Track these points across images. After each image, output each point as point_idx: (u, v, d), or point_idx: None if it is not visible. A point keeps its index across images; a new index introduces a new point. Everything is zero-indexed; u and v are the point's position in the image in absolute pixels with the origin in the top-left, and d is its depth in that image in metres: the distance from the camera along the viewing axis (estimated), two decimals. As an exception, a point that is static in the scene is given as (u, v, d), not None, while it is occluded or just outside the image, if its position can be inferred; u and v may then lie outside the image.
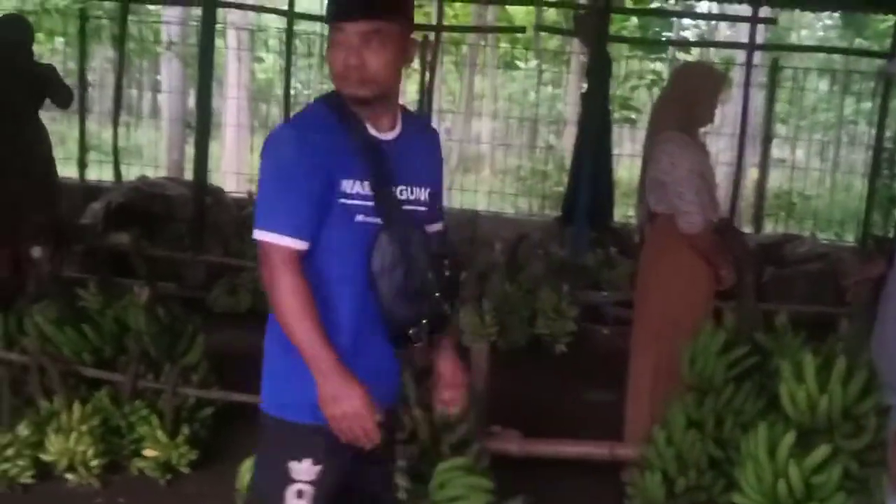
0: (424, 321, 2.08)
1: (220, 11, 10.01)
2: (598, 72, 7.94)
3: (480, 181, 13.15)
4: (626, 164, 11.86)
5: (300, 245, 2.03)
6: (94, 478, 3.70)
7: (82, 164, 9.76)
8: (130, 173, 9.63)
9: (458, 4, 15.36)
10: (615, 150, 9.06)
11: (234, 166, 14.07)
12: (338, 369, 2.00)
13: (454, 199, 10.91)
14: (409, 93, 20.91)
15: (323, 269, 2.07)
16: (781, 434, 3.22)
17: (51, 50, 18.57)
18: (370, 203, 2.04)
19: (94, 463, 3.66)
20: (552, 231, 8.21)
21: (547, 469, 3.93)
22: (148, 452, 3.72)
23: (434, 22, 10.45)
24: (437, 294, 2.08)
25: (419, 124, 2.30)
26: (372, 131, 2.09)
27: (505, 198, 11.66)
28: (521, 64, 17.43)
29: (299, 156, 2.01)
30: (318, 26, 13.84)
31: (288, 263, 2.02)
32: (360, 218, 2.04)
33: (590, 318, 6.50)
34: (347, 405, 1.99)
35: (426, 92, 9.58)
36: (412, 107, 10.06)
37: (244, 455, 3.34)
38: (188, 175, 9.08)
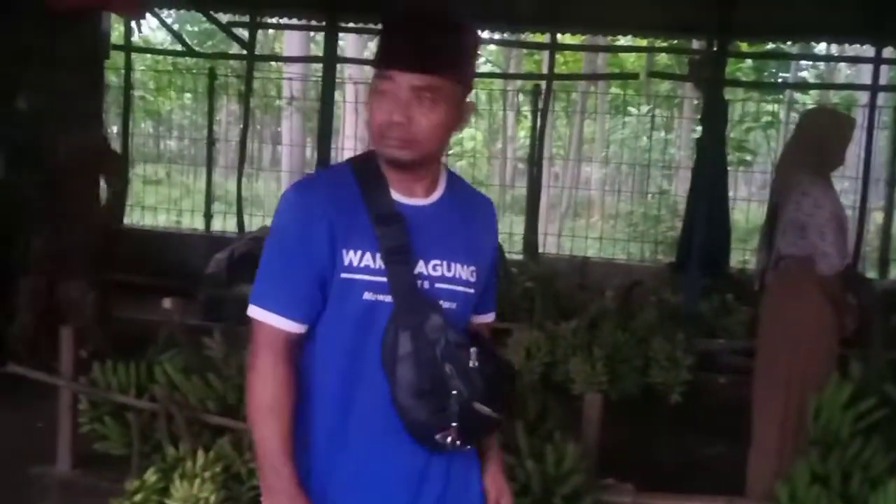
0: (454, 424, 1.71)
1: (339, 66, 10.35)
2: (714, 116, 7.85)
3: (591, 227, 13.09)
4: (742, 207, 11.62)
5: (292, 327, 1.73)
6: (216, 523, 3.82)
7: (208, 216, 10.22)
8: (253, 224, 10.01)
9: (568, 52, 15.47)
10: (730, 194, 8.90)
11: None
12: (288, 488, 1.71)
13: (563, 245, 10.90)
14: (519, 139, 21.11)
15: (331, 356, 1.76)
16: (912, 492, 3.09)
17: (181, 105, 19.59)
18: (381, 279, 1.72)
19: (217, 509, 3.77)
20: (665, 277, 8.10)
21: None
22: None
23: (545, 70, 10.55)
24: (455, 392, 1.70)
25: (468, 192, 1.94)
26: (397, 197, 1.77)
27: (616, 243, 11.56)
28: (632, 109, 17.38)
29: (300, 221, 1.72)
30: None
31: (273, 346, 1.72)
32: (367, 296, 1.72)
33: (706, 366, 6.37)
34: None
35: (538, 139, 9.66)
36: (522, 153, 10.17)
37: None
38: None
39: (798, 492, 3.47)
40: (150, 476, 3.80)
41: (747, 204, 11.43)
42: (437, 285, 1.77)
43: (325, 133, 7.96)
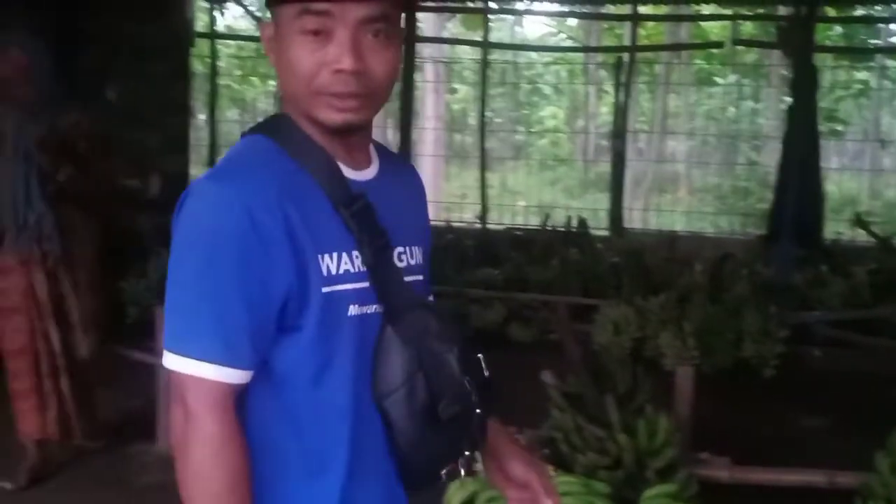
0: (468, 452, 1.37)
1: (418, 46, 10.39)
2: (804, 84, 7.64)
3: (677, 201, 12.88)
4: (834, 178, 11.29)
5: (238, 378, 1.24)
6: None
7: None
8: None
9: (650, 24, 15.18)
10: (821, 165, 8.64)
11: (432, 195, 14.52)
12: None
13: (650, 220, 10.75)
14: (601, 115, 20.94)
15: (298, 402, 1.30)
16: None
17: (265, 93, 19.88)
18: (365, 284, 1.30)
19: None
20: (756, 250, 7.93)
21: (758, 498, 3.77)
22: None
23: (628, 43, 10.39)
24: (479, 412, 1.35)
25: (393, 157, 1.52)
26: (348, 172, 1.34)
27: (704, 217, 11.35)
28: (717, 79, 16.96)
29: (240, 226, 1.21)
30: (509, 55, 14.10)
31: (219, 407, 1.23)
32: (353, 310, 1.29)
33: (800, 339, 6.20)
34: None
35: (620, 113, 9.52)
36: (605, 129, 10.07)
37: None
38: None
39: (902, 464, 3.37)
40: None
41: (839, 174, 11.11)
42: (407, 278, 1.38)
43: (406, 114, 7.99)
